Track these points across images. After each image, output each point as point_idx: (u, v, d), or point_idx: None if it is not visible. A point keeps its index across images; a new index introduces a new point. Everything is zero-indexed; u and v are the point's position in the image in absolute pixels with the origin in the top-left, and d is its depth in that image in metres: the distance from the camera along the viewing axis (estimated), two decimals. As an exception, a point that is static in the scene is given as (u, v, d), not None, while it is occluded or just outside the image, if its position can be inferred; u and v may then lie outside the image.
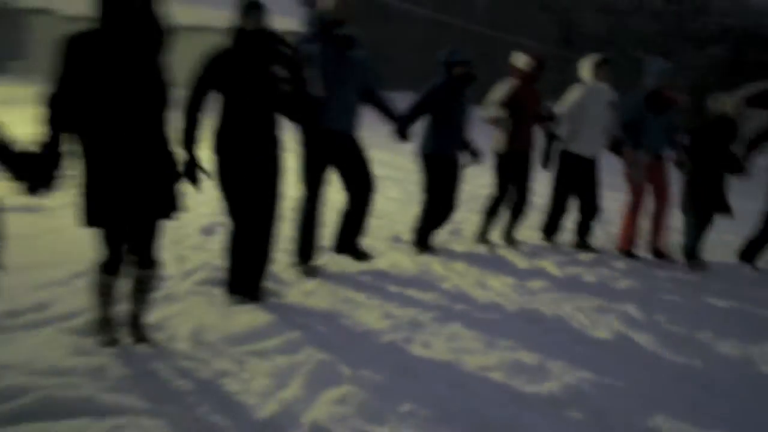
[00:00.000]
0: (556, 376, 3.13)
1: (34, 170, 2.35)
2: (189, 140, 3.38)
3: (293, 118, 3.78)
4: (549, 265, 5.11)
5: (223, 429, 2.46)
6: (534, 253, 5.42)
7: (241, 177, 3.56)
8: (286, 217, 4.44)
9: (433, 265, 4.82)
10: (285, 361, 2.99)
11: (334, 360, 3.04)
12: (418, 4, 20.79)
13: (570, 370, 3.22)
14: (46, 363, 2.71)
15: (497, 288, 4.43)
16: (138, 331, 3.04)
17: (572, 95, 5.57)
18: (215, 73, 3.46)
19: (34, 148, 2.47)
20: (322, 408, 2.64)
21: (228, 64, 3.47)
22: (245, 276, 3.71)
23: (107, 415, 2.41)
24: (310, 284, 4.12)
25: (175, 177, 2.96)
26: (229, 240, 3.67)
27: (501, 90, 5.44)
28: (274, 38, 3.55)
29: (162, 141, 2.88)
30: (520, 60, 5.44)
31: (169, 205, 2.92)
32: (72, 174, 2.71)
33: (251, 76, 3.49)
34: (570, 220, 5.87)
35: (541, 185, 5.92)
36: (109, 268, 2.89)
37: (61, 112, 2.63)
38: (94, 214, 2.76)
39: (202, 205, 3.23)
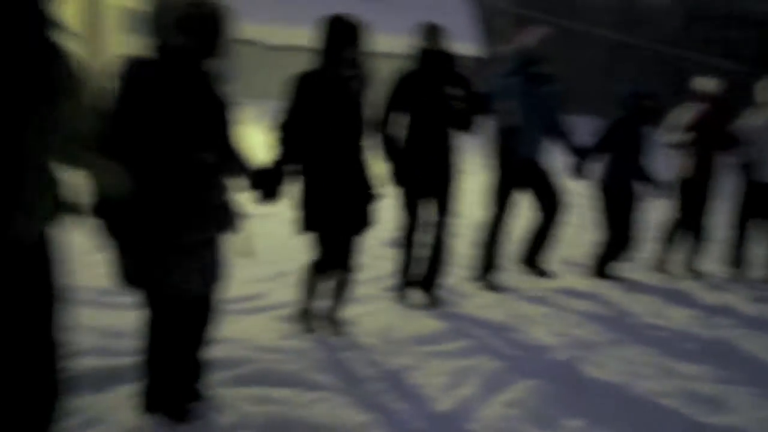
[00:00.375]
0: (734, 411, 3.05)
1: (267, 183, 2.87)
2: (390, 153, 3.83)
3: (463, 130, 4.09)
4: (737, 299, 4.85)
5: (404, 415, 2.76)
6: (720, 286, 5.17)
7: (415, 182, 3.94)
8: (463, 234, 4.71)
9: (609, 290, 4.81)
10: (461, 364, 3.24)
11: (507, 368, 3.24)
12: (599, 24, 20.17)
13: (750, 407, 3.11)
14: (260, 341, 3.22)
15: (677, 318, 4.32)
16: (334, 324, 3.48)
17: (755, 120, 5.28)
18: (403, 92, 3.88)
19: (267, 165, 2.99)
20: (494, 408, 2.85)
21: (413, 83, 3.90)
22: (421, 285, 4.09)
23: (308, 389, 2.83)
24: (488, 298, 4.36)
25: (371, 198, 3.38)
26: (403, 249, 4.08)
27: (687, 113, 5.29)
28: (451, 59, 3.94)
29: (362, 165, 3.34)
30: (708, 84, 5.27)
31: (366, 221, 3.36)
32: (290, 188, 3.20)
33: (430, 93, 3.89)
34: (764, 254, 5.51)
35: (722, 216, 5.66)
36: (320, 268, 3.36)
37: (290, 137, 3.15)
38: (312, 221, 3.26)
39: (385, 219, 3.59)
